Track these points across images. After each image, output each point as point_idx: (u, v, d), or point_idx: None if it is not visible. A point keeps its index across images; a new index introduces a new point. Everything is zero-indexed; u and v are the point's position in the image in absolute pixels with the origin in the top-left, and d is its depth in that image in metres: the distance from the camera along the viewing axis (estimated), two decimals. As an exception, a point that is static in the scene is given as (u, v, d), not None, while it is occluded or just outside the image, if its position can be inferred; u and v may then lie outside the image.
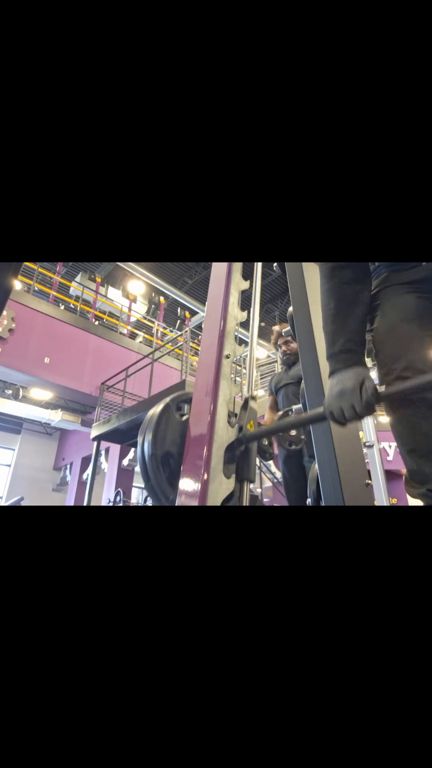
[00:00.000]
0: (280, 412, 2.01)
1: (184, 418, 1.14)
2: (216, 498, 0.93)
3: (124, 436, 6.26)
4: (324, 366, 1.43)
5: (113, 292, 11.61)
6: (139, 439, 1.11)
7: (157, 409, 1.12)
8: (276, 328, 2.64)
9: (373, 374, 0.85)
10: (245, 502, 1.01)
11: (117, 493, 6.75)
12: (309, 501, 1.67)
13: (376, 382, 0.78)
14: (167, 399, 1.16)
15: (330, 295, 0.84)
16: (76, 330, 7.67)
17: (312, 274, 1.66)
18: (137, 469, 7.88)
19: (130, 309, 11.01)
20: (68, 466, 10.12)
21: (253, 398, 1.14)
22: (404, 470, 0.81)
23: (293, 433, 2.07)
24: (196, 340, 8.52)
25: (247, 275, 1.45)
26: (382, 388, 0.76)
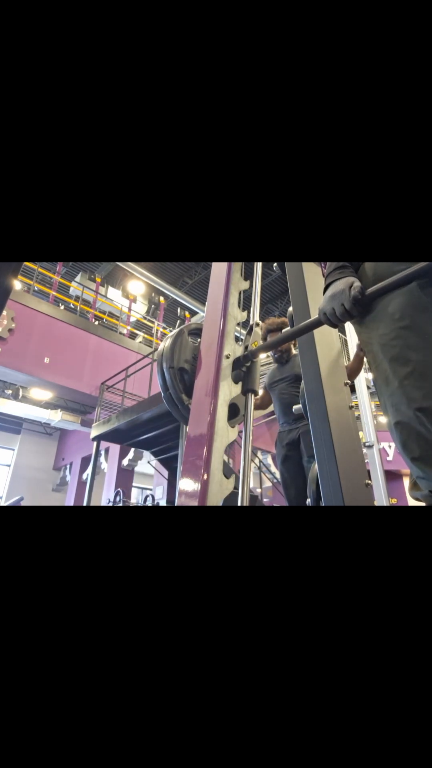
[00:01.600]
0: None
1: (195, 342, 1.41)
2: (216, 498, 0.93)
3: (123, 436, 6.25)
4: (324, 366, 1.43)
5: (113, 292, 11.61)
6: (158, 359, 1.37)
7: (173, 334, 1.40)
8: (262, 324, 2.69)
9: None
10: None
11: (117, 493, 6.75)
12: (309, 501, 1.68)
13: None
14: (180, 327, 1.43)
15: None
16: (75, 330, 7.67)
17: (312, 274, 1.66)
18: (137, 469, 7.90)
19: (129, 309, 11.01)
20: (68, 466, 10.12)
21: (258, 324, 1.32)
22: (404, 470, 0.82)
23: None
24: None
25: (247, 275, 1.45)
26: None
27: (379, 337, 0.81)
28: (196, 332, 1.44)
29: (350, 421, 1.35)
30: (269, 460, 8.71)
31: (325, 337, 1.50)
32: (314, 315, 1.51)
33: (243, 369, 1.24)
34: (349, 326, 2.62)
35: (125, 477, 7.76)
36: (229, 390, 1.13)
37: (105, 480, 8.06)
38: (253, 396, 1.22)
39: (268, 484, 8.31)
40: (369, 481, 1.31)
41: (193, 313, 12.70)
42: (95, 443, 6.66)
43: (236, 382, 1.20)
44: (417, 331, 0.75)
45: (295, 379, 2.53)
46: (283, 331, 2.29)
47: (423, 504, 0.75)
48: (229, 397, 1.12)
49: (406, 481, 4.98)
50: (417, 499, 0.78)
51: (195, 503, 0.90)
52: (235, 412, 1.24)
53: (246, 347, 1.26)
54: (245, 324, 1.41)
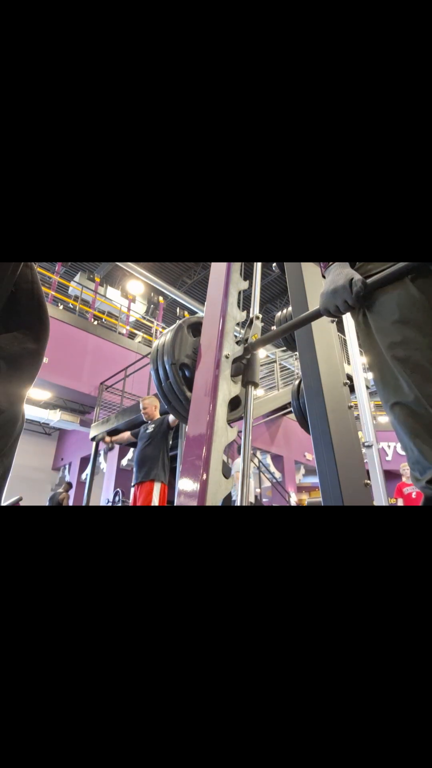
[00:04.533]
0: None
1: (194, 338, 1.40)
2: (215, 498, 0.92)
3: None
4: (323, 367, 1.43)
5: (112, 292, 11.60)
6: (154, 357, 1.37)
7: (172, 328, 1.39)
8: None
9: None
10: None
11: (116, 493, 6.74)
12: None
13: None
14: (179, 322, 1.43)
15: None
16: (74, 330, 7.66)
17: (311, 274, 1.66)
18: (136, 468, 7.88)
19: (129, 309, 11.01)
20: (67, 467, 10.10)
21: (258, 317, 1.34)
22: (401, 465, 0.83)
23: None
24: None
25: (247, 273, 1.45)
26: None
27: (377, 330, 0.83)
28: (195, 326, 1.44)
29: (349, 421, 1.35)
30: (268, 460, 8.72)
31: (324, 336, 1.51)
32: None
33: (243, 362, 1.25)
34: (349, 327, 2.62)
35: (124, 477, 7.75)
36: (228, 390, 1.13)
37: (104, 480, 8.05)
38: (253, 387, 1.23)
39: (267, 483, 8.31)
40: (368, 481, 1.31)
41: (192, 313, 12.69)
42: (94, 443, 6.65)
43: (235, 376, 1.22)
44: (412, 324, 0.78)
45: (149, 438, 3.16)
46: (281, 325, 2.31)
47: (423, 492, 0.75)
48: (229, 397, 1.12)
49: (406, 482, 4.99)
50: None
51: (194, 503, 0.90)
52: (235, 404, 1.24)
53: (246, 340, 1.28)
54: (245, 324, 1.41)
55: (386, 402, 0.82)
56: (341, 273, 0.87)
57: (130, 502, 3.33)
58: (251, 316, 1.35)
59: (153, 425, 3.43)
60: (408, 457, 0.79)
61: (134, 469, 3.39)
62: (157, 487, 3.16)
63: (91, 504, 6.51)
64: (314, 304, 1.57)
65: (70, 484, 7.09)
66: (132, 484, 3.35)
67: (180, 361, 1.32)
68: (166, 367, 1.31)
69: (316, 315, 0.98)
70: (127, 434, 3.83)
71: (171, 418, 3.30)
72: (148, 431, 3.42)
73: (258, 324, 1.34)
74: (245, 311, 1.39)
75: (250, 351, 1.25)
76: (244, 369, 1.25)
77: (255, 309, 1.39)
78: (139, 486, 3.22)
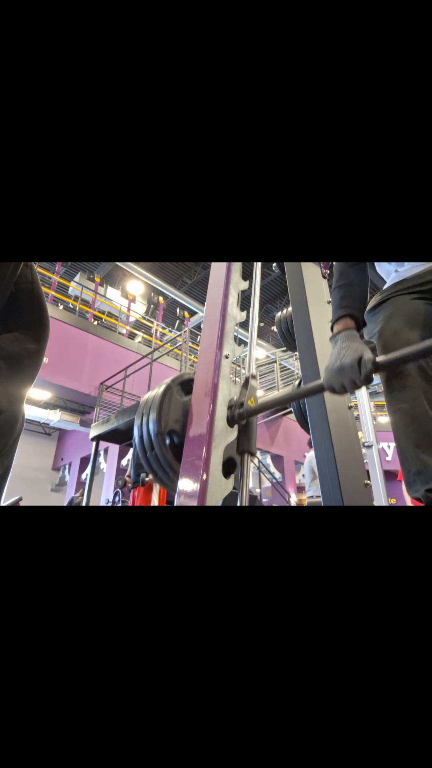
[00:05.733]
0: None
1: (185, 398, 1.23)
2: (215, 498, 0.93)
3: (123, 436, 6.25)
4: (323, 368, 1.43)
5: (112, 292, 11.61)
6: (138, 421, 1.18)
7: (159, 390, 1.20)
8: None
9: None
10: (247, 474, 1.06)
11: (116, 494, 6.75)
12: None
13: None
14: (167, 380, 1.24)
15: (337, 270, 0.97)
16: (74, 330, 7.67)
17: (311, 274, 1.66)
18: (136, 469, 7.89)
19: (129, 309, 11.01)
20: (67, 467, 10.11)
21: (254, 377, 1.20)
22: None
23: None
24: (195, 340, 8.53)
25: (247, 275, 1.45)
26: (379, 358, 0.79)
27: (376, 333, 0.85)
28: (186, 384, 1.26)
29: (349, 421, 1.35)
30: (268, 460, 8.72)
31: (324, 337, 1.51)
32: (313, 316, 1.51)
33: (239, 425, 1.11)
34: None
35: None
36: (228, 390, 1.13)
37: (104, 480, 8.06)
38: (249, 457, 1.09)
39: (267, 484, 8.31)
40: (368, 482, 1.31)
41: (192, 313, 12.70)
42: (94, 443, 6.65)
43: (231, 428, 1.08)
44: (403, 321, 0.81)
45: None
46: (278, 394, 2.26)
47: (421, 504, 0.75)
48: (229, 397, 1.12)
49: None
50: (417, 500, 0.78)
51: (194, 503, 0.90)
52: (230, 468, 1.07)
53: (242, 404, 1.12)
54: (245, 324, 1.41)
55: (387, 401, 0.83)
56: (349, 348, 0.81)
57: (129, 502, 3.33)
58: (247, 375, 1.20)
59: None
60: (407, 466, 0.79)
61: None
62: (156, 487, 3.16)
63: (91, 504, 6.51)
64: (314, 304, 1.57)
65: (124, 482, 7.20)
66: (131, 485, 3.35)
67: (168, 429, 1.14)
68: (152, 436, 1.14)
69: (320, 389, 0.88)
70: None
71: None
72: None
73: (255, 384, 1.18)
74: (245, 311, 1.39)
75: (245, 417, 1.09)
76: (239, 435, 1.10)
77: (252, 368, 1.26)
78: (138, 486, 3.22)
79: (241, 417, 1.10)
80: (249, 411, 1.10)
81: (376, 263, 1.09)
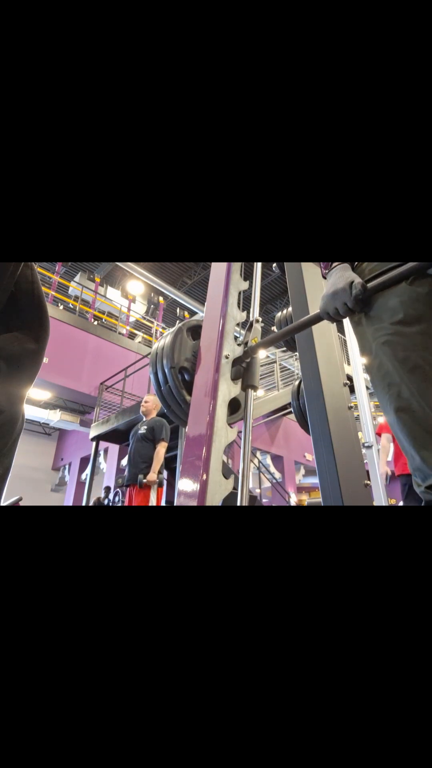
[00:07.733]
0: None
1: (193, 342, 1.41)
2: (215, 498, 0.92)
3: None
4: (323, 368, 1.43)
5: (112, 292, 11.61)
6: (153, 359, 1.37)
7: (171, 332, 1.40)
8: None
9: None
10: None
11: (116, 494, 6.75)
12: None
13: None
14: (179, 325, 1.43)
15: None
16: (75, 330, 7.67)
17: (311, 274, 1.66)
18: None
19: (129, 309, 11.01)
20: (67, 467, 10.11)
21: (258, 320, 1.35)
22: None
23: None
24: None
25: (247, 274, 1.45)
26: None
27: (375, 332, 0.84)
28: (195, 329, 1.44)
29: (349, 422, 1.35)
30: (268, 461, 8.72)
31: (324, 337, 1.51)
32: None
33: (243, 365, 1.26)
34: (349, 327, 2.62)
35: (124, 477, 7.75)
36: (228, 390, 1.13)
37: (104, 480, 8.05)
38: (253, 391, 1.23)
39: (267, 484, 8.31)
40: (368, 482, 1.31)
41: (193, 313, 12.70)
42: (94, 443, 6.65)
43: (235, 379, 1.22)
44: (412, 323, 0.79)
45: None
46: (281, 327, 2.32)
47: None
48: (229, 397, 1.12)
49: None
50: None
51: (194, 503, 0.90)
52: (235, 407, 1.24)
53: (246, 343, 1.28)
54: (245, 324, 1.42)
55: (387, 405, 0.82)
56: (342, 276, 0.88)
57: (125, 502, 3.30)
58: (251, 318, 1.36)
59: (146, 428, 3.37)
60: (409, 463, 0.79)
61: (127, 469, 3.32)
62: (154, 487, 3.14)
63: (91, 504, 6.51)
64: (314, 304, 1.57)
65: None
66: (125, 483, 3.30)
67: (179, 365, 1.32)
68: (166, 371, 1.32)
69: (317, 319, 0.98)
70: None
71: (162, 435, 3.25)
72: (140, 432, 3.37)
73: (258, 327, 1.34)
74: (245, 312, 1.39)
75: (249, 354, 1.25)
76: (243, 372, 1.25)
77: (255, 312, 1.39)
78: (134, 486, 3.18)
79: (246, 355, 1.25)
80: (253, 348, 1.26)
81: None
